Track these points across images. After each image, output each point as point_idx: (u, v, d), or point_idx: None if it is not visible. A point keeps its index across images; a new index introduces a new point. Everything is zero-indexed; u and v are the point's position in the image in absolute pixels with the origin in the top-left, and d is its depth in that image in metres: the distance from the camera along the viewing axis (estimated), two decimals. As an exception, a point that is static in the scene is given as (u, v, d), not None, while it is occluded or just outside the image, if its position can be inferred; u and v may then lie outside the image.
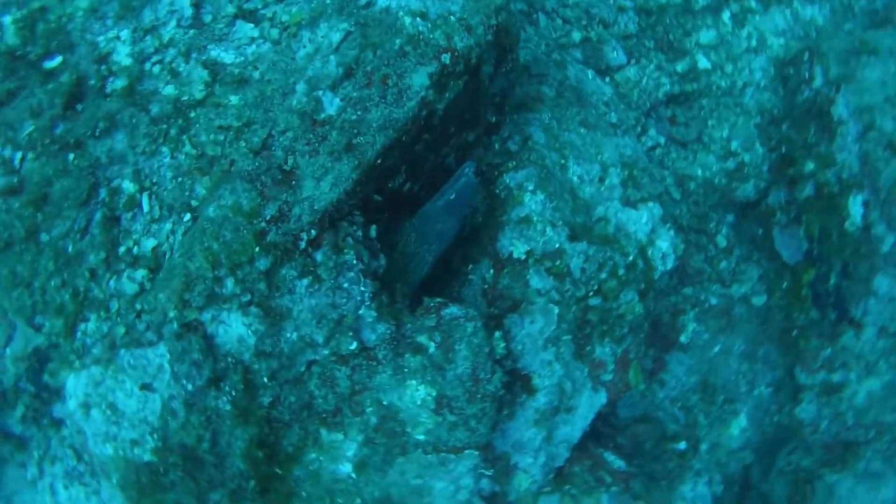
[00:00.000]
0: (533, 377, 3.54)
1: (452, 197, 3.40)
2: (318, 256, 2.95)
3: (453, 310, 3.17)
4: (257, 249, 2.82)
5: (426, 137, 3.27)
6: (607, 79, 4.97)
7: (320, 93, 2.98)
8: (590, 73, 4.77)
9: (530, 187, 3.68)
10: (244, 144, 2.83)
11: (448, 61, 2.99)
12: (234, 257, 2.80)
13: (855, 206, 4.06)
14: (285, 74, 3.07)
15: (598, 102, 4.62)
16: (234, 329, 2.79)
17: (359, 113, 2.92)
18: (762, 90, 4.98)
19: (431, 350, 3.09)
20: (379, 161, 2.97)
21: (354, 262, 3.00)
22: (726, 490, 5.15)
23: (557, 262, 3.59)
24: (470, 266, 3.53)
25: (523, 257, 3.57)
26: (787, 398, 4.99)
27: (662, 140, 5.06)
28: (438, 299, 3.22)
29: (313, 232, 2.90)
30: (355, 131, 2.89)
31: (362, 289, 3.02)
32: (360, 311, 3.01)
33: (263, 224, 2.84)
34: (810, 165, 4.29)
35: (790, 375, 4.87)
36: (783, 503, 5.19)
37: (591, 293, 3.64)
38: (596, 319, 3.71)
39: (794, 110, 4.60)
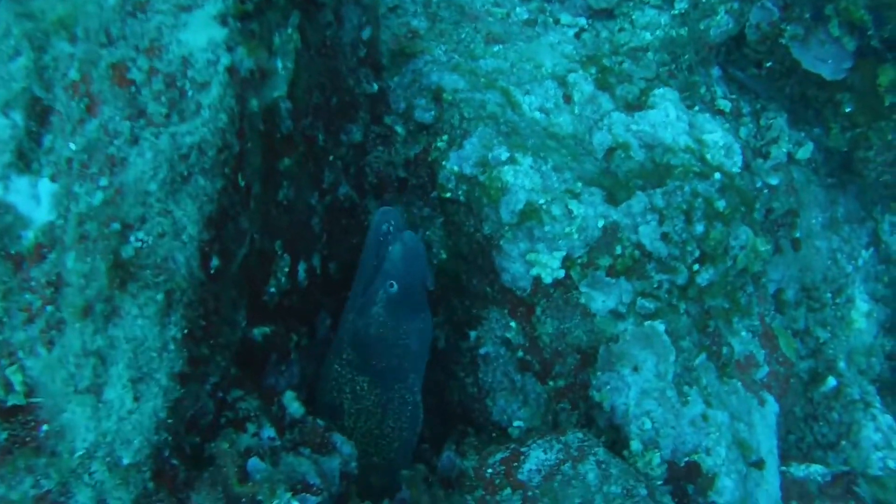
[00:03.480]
0: (700, 460, 1.84)
1: (394, 290, 1.70)
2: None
3: (538, 455, 1.42)
4: None
5: (287, 166, 1.51)
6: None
7: None
8: (447, -24, 3.16)
9: (503, 156, 1.99)
10: None
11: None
12: None
13: (919, -59, 2.59)
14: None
15: (487, 6, 3.00)
16: None
17: (107, 181, 1.11)
18: None
19: (548, 561, 1.34)
20: (221, 261, 1.17)
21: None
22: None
23: (620, 249, 1.92)
24: (473, 334, 1.82)
25: (560, 274, 1.88)
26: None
27: (584, 21, 3.50)
28: (501, 452, 1.46)
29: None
30: (114, 226, 1.08)
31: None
32: None
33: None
34: (804, -67, 2.81)
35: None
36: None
37: (695, 267, 1.98)
38: (718, 303, 2.05)
39: None
